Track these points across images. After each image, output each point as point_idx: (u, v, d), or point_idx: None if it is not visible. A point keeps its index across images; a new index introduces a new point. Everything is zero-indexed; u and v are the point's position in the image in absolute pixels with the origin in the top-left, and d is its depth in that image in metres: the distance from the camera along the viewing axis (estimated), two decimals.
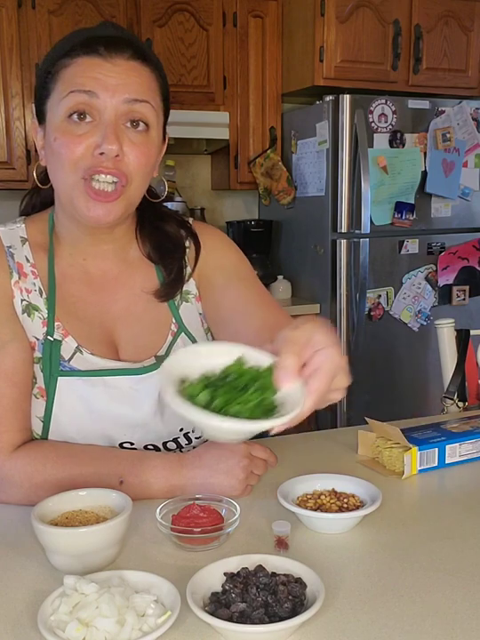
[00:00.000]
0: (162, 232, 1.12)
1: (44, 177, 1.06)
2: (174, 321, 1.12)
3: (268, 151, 3.23)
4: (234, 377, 0.71)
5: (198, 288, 1.14)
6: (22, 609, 0.74)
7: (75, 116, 0.94)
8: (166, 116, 1.05)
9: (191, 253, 1.14)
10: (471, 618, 0.72)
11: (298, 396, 0.68)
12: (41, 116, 1.01)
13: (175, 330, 1.11)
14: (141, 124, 0.97)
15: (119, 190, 0.97)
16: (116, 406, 1.05)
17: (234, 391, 0.69)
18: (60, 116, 0.95)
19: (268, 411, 0.69)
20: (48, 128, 0.98)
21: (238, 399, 0.68)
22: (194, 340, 1.12)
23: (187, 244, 1.14)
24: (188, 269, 1.13)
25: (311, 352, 0.69)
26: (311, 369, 0.69)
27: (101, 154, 0.94)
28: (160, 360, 1.07)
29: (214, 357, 0.73)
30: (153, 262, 1.12)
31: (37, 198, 1.14)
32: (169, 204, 1.03)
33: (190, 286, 1.14)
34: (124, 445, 1.07)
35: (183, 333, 1.12)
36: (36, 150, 1.05)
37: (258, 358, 0.72)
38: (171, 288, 1.11)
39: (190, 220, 1.18)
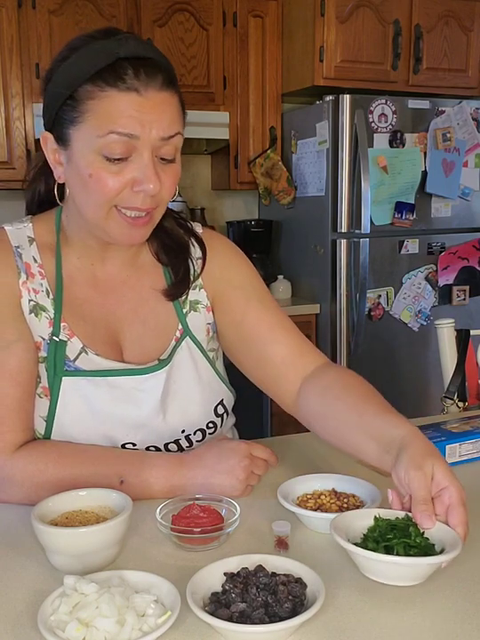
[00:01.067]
0: (164, 231, 1.12)
1: (58, 188, 1.05)
2: (180, 326, 1.12)
3: (268, 151, 3.23)
4: (383, 530, 0.80)
5: (211, 300, 1.15)
6: (22, 609, 0.74)
7: (112, 156, 0.93)
8: None
9: (198, 257, 1.15)
10: (471, 618, 0.72)
11: (441, 532, 0.79)
12: (62, 140, 0.97)
13: (179, 335, 1.12)
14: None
15: (150, 213, 0.99)
16: (118, 406, 1.05)
17: (388, 540, 0.78)
18: (94, 152, 0.93)
19: (427, 548, 0.77)
20: (77, 158, 0.95)
21: (400, 545, 0.77)
22: (199, 345, 1.13)
23: (193, 252, 1.14)
24: (196, 272, 1.13)
25: (437, 490, 0.81)
26: (444, 506, 0.80)
27: (140, 191, 0.94)
28: (163, 362, 1.08)
29: (357, 520, 0.83)
30: (161, 263, 1.13)
31: (41, 196, 1.12)
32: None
33: (201, 297, 1.14)
34: (127, 446, 1.07)
35: (188, 337, 1.12)
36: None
37: (391, 513, 0.84)
38: (177, 288, 1.11)
39: (199, 228, 1.18)
